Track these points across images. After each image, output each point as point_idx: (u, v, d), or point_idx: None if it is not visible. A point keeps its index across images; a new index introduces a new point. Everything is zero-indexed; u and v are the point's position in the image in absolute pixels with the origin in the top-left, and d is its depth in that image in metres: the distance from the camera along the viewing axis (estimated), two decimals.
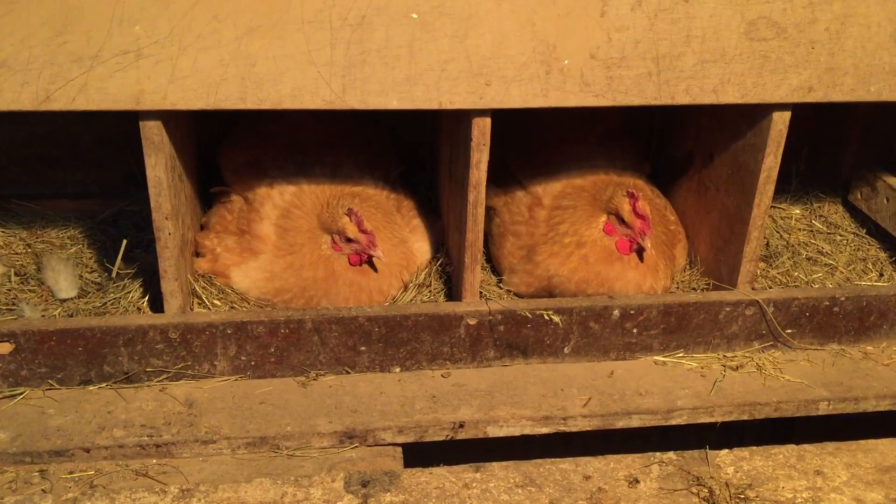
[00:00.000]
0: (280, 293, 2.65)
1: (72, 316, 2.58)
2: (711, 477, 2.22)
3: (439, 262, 2.85)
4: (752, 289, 2.76)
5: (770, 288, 2.91)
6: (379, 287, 2.67)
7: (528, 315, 2.55)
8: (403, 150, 3.26)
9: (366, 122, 3.17)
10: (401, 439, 2.38)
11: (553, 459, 2.29)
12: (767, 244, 3.15)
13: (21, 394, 2.37)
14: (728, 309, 2.65)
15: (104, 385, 2.42)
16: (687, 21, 2.38)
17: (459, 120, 2.52)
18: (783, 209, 3.38)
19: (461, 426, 2.40)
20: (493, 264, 3.00)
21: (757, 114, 2.54)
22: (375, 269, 2.66)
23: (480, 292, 2.68)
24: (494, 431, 2.43)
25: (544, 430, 2.45)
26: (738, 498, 2.15)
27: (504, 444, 2.73)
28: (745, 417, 2.52)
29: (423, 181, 3.33)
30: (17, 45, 2.13)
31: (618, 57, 2.37)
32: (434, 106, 2.33)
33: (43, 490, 2.11)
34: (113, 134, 3.16)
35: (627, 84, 2.38)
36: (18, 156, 3.17)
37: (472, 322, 2.55)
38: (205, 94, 2.22)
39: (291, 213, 2.72)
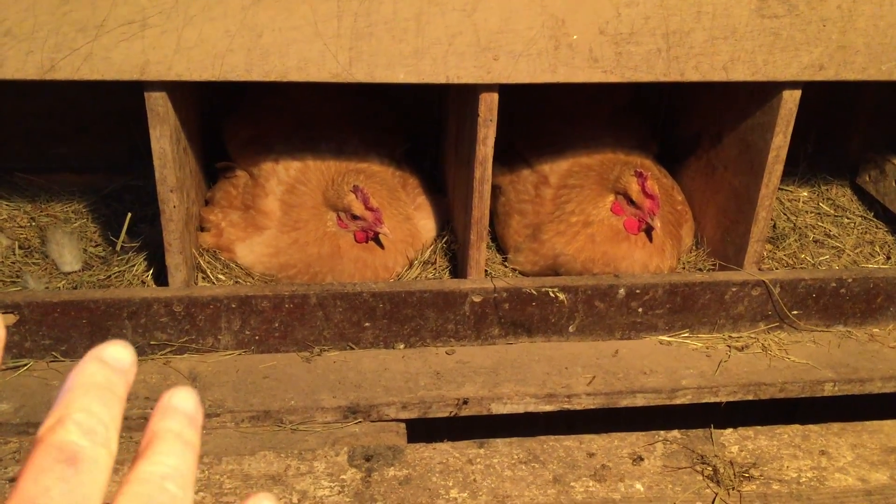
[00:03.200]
0: (284, 269, 2.64)
1: (76, 288, 2.57)
2: (716, 455, 2.22)
3: (444, 240, 2.84)
4: (759, 269, 2.74)
5: (776, 269, 2.90)
6: (384, 264, 2.66)
7: (534, 293, 2.54)
8: (409, 128, 3.24)
9: (371, 98, 3.15)
10: (404, 415, 2.37)
11: (557, 436, 2.28)
12: (774, 226, 3.14)
13: (25, 365, 2.37)
14: (734, 289, 2.64)
15: None
16: None
17: (466, 95, 2.50)
18: (790, 191, 3.36)
19: (465, 403, 2.39)
20: (498, 243, 2.99)
21: (767, 92, 2.52)
22: (382, 246, 2.64)
23: (486, 270, 2.67)
24: (498, 408, 2.42)
25: (548, 408, 2.44)
26: (743, 476, 2.15)
27: (507, 425, 2.72)
28: (749, 397, 2.51)
29: (428, 159, 3.31)
30: (21, 13, 2.11)
31: (627, 32, 2.34)
32: (441, 80, 2.31)
33: None
34: (118, 108, 3.14)
35: (636, 60, 2.36)
36: (22, 129, 3.16)
37: (478, 299, 2.54)
38: (210, 65, 2.21)
39: (297, 189, 2.71)
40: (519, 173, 2.97)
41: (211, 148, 2.91)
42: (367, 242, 2.64)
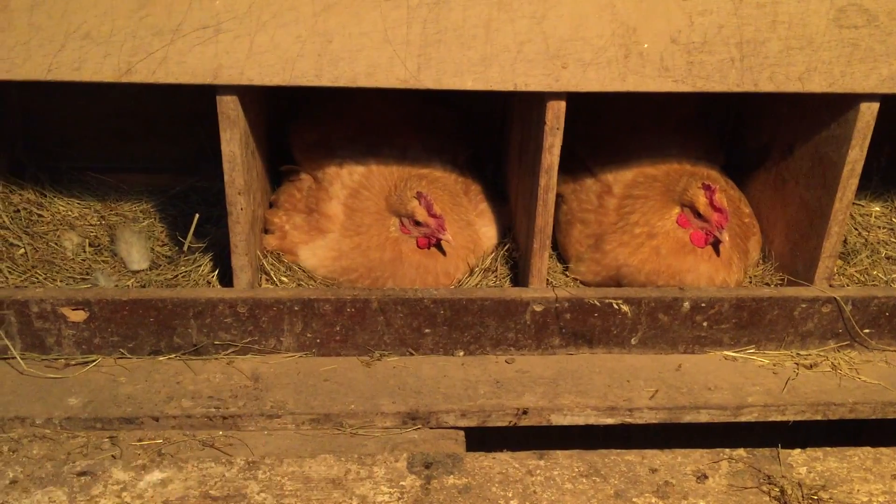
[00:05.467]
0: (346, 272, 2.65)
1: (144, 287, 2.62)
2: (783, 476, 2.16)
3: (506, 248, 2.82)
4: (830, 286, 2.67)
5: (847, 286, 2.81)
6: (445, 270, 2.65)
7: (597, 303, 2.51)
8: (471, 134, 3.23)
9: (434, 104, 3.15)
10: (463, 423, 2.36)
11: (618, 451, 2.24)
12: (845, 241, 3.04)
13: (93, 361, 2.42)
14: (804, 305, 2.57)
15: (173, 356, 2.46)
16: (773, 6, 2.31)
17: (533, 103, 2.48)
18: (862, 206, 3.27)
19: (525, 413, 2.37)
20: (559, 252, 2.96)
21: (843, 104, 2.45)
22: (443, 253, 2.64)
23: (547, 279, 2.64)
24: (558, 419, 2.39)
25: (609, 421, 2.41)
26: (811, 499, 2.09)
27: (562, 436, 2.69)
28: (818, 417, 2.44)
29: (489, 165, 3.30)
30: (100, 17, 2.17)
31: (699, 41, 2.30)
32: (509, 88, 2.30)
33: (113, 456, 2.15)
34: (185, 110, 3.20)
35: (709, 70, 2.32)
36: (94, 129, 3.24)
37: (539, 309, 2.52)
38: (281, 70, 2.23)
39: (360, 193, 2.72)
40: (582, 182, 2.94)
41: (273, 151, 2.94)
42: (428, 248, 2.64)
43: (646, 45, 2.30)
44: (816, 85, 2.35)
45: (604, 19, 2.27)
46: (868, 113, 2.41)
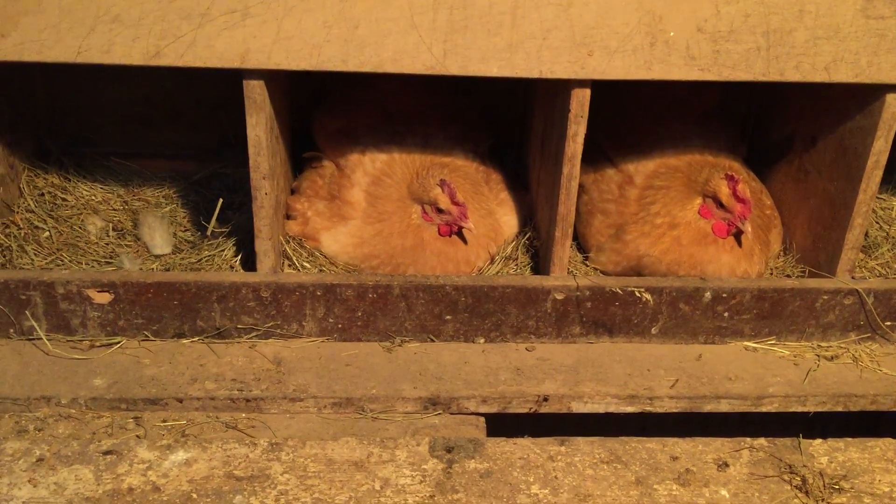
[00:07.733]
0: (368, 259, 2.66)
1: (168, 270, 2.64)
2: (804, 466, 2.16)
3: (527, 237, 2.83)
4: (852, 278, 2.66)
5: (869, 278, 2.80)
6: (466, 258, 2.66)
7: (618, 292, 2.51)
8: (492, 123, 3.23)
9: (457, 93, 3.16)
10: (484, 409, 2.37)
11: (639, 438, 2.25)
12: (867, 234, 3.03)
13: (118, 343, 2.45)
14: (826, 297, 2.57)
15: (197, 339, 2.48)
16: None
17: (557, 91, 2.49)
18: (884, 199, 3.25)
19: (545, 399, 2.38)
20: (579, 242, 2.96)
21: (868, 95, 2.44)
22: (465, 241, 2.65)
23: (567, 268, 2.65)
24: (579, 407, 2.40)
25: (630, 409, 2.41)
26: (833, 488, 2.09)
27: (579, 425, 2.69)
28: (839, 409, 2.44)
29: (511, 154, 3.30)
30: (129, 0, 2.18)
31: (726, 30, 2.30)
32: (534, 75, 2.30)
33: (137, 436, 2.17)
34: (209, 97, 3.22)
35: (735, 59, 2.31)
36: (119, 116, 3.25)
37: (560, 297, 2.53)
38: (307, 55, 2.24)
39: (382, 181, 2.73)
40: (603, 172, 2.94)
41: (295, 138, 2.95)
42: (450, 236, 2.64)
43: (672, 34, 2.29)
44: (843, 75, 2.35)
45: (630, 7, 2.27)
46: (894, 104, 2.40)
